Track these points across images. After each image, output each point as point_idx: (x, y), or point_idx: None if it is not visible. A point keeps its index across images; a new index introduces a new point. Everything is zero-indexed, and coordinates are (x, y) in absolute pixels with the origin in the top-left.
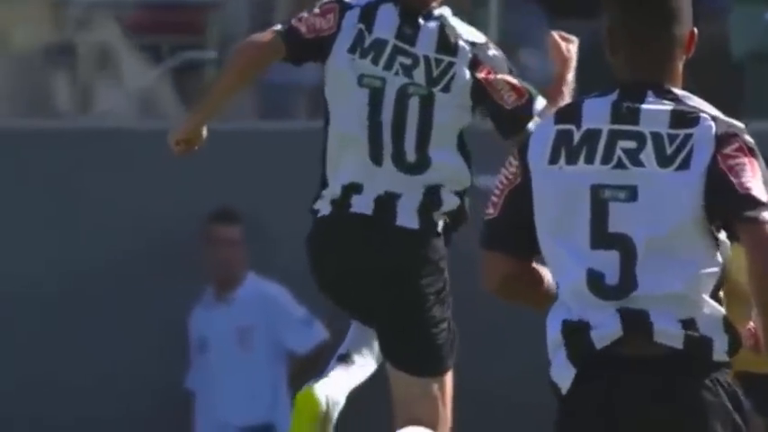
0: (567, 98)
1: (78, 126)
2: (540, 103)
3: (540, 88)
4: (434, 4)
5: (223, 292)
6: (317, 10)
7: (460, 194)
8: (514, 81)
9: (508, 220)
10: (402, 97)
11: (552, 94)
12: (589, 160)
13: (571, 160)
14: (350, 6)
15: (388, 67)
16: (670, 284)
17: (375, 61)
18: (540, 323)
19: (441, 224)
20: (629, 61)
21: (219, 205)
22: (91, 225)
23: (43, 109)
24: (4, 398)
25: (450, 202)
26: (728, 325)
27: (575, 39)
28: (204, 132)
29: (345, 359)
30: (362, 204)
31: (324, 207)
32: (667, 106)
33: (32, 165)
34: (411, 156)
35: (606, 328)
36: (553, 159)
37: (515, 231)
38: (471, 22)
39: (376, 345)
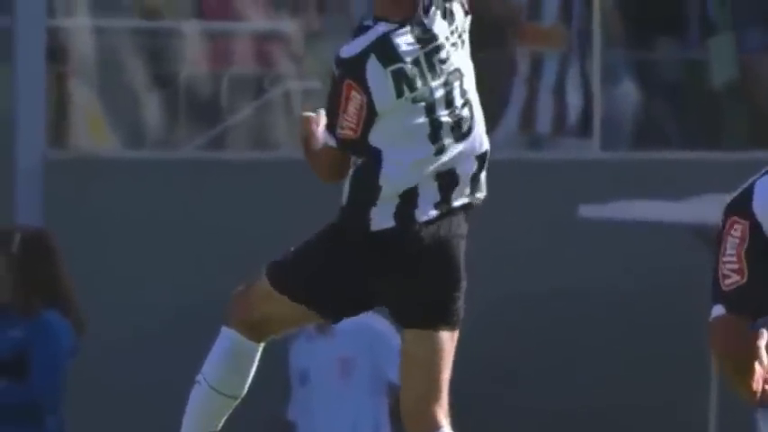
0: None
1: (194, 156)
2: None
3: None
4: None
5: (324, 324)
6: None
7: None
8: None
9: (756, 283)
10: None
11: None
12: None
13: None
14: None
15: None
16: None
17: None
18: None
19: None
20: None
21: None
22: (201, 252)
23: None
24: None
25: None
26: None
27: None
28: None
29: None
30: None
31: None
32: None
33: (158, 194)
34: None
35: None
36: None
37: (764, 291)
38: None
39: None
